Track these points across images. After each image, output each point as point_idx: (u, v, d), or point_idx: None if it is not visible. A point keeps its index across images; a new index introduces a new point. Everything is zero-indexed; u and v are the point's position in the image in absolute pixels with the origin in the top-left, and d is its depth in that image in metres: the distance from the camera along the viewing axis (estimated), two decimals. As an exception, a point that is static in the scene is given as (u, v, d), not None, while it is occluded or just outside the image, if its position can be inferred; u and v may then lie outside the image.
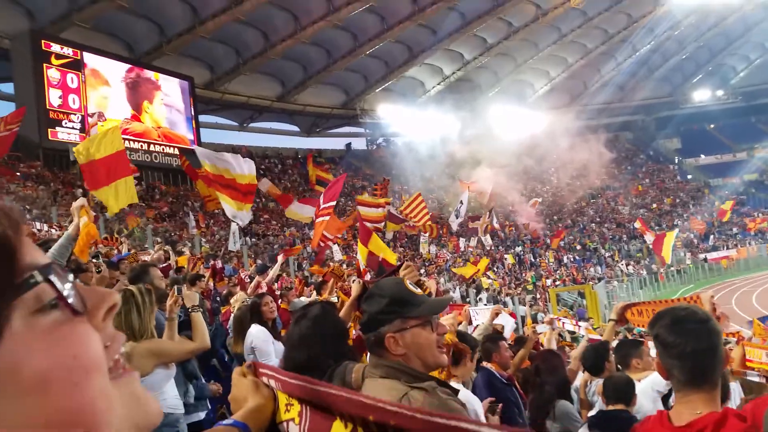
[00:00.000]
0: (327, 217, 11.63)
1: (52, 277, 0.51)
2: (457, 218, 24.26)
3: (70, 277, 0.54)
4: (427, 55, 40.11)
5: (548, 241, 34.58)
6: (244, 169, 10.32)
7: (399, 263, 6.16)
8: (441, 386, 1.71)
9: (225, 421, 1.28)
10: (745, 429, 1.66)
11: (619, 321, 4.06)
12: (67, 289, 0.52)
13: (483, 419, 3.44)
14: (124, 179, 7.72)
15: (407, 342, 1.77)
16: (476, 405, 3.51)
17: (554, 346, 8.39)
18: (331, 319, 2.77)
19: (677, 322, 1.88)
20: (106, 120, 24.94)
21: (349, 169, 36.68)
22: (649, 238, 23.19)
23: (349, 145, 44.71)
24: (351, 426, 1.01)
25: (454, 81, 43.66)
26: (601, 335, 9.79)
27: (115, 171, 7.69)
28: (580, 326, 12.35)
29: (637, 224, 25.04)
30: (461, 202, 23.55)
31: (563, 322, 11.69)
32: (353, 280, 4.72)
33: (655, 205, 43.14)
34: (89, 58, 25.88)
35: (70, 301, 0.51)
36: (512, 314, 11.38)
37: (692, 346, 1.83)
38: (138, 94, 27.89)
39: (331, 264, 15.37)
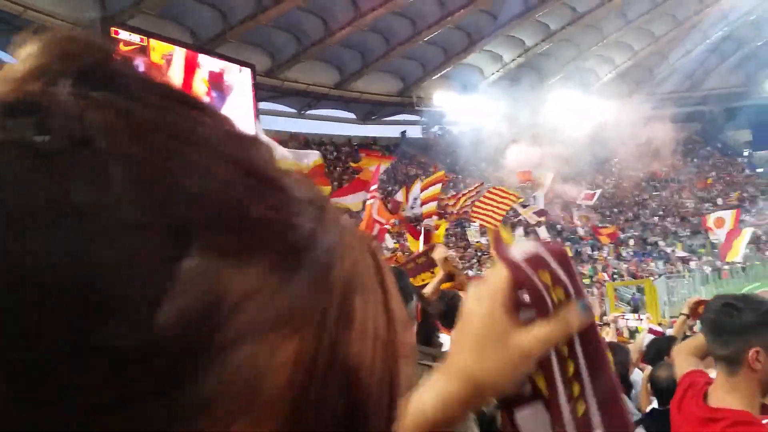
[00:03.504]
0: (374, 201, 10.85)
1: None
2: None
3: None
4: (486, 42, 39.51)
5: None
6: (309, 160, 10.56)
7: (427, 247, 6.06)
8: None
9: None
10: None
11: (692, 315, 3.95)
12: None
13: None
14: None
15: None
16: None
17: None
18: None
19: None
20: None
21: (404, 157, 36.74)
22: (721, 234, 22.25)
23: (404, 132, 44.69)
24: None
25: (514, 68, 42.89)
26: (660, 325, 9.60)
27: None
28: (641, 319, 12.08)
29: (710, 222, 23.42)
30: (534, 197, 23.10)
31: (627, 319, 11.49)
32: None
33: (721, 200, 41.38)
34: (154, 45, 26.72)
35: None
36: None
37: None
38: (185, 73, 28.30)
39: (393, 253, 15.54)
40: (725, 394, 1.82)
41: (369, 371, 0.30)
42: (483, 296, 0.62)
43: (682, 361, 2.27)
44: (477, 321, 0.61)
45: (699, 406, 1.86)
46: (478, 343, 0.61)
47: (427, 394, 0.63)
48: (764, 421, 1.76)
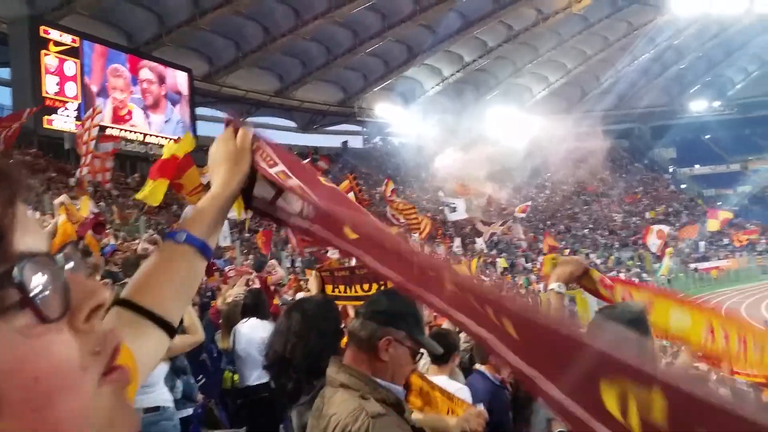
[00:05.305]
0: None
1: (25, 270, 0.40)
2: (453, 213, 24.20)
3: (61, 267, 0.44)
4: (426, 56, 40.09)
5: (540, 245, 34.57)
6: None
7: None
8: (396, 409, 1.66)
9: (176, 236, 0.97)
10: None
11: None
12: (40, 286, 0.41)
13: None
14: (163, 181, 8.53)
15: (396, 354, 1.74)
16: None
17: None
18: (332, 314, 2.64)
19: None
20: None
21: (345, 167, 36.61)
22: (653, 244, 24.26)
23: (345, 143, 44.66)
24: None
25: (453, 83, 43.68)
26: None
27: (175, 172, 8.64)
28: None
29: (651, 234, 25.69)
30: (454, 203, 23.39)
31: None
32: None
33: (648, 214, 43.29)
34: (88, 47, 25.71)
35: (38, 303, 0.41)
36: None
37: None
38: (121, 83, 27.38)
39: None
40: None
41: None
42: (232, 140, 1.14)
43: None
44: (232, 153, 1.12)
45: None
46: (234, 163, 1.11)
47: (217, 189, 1.07)
48: None
